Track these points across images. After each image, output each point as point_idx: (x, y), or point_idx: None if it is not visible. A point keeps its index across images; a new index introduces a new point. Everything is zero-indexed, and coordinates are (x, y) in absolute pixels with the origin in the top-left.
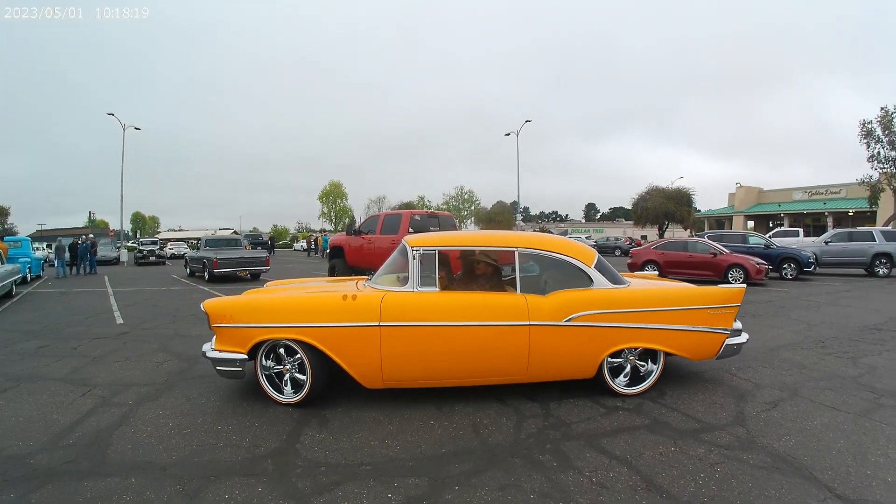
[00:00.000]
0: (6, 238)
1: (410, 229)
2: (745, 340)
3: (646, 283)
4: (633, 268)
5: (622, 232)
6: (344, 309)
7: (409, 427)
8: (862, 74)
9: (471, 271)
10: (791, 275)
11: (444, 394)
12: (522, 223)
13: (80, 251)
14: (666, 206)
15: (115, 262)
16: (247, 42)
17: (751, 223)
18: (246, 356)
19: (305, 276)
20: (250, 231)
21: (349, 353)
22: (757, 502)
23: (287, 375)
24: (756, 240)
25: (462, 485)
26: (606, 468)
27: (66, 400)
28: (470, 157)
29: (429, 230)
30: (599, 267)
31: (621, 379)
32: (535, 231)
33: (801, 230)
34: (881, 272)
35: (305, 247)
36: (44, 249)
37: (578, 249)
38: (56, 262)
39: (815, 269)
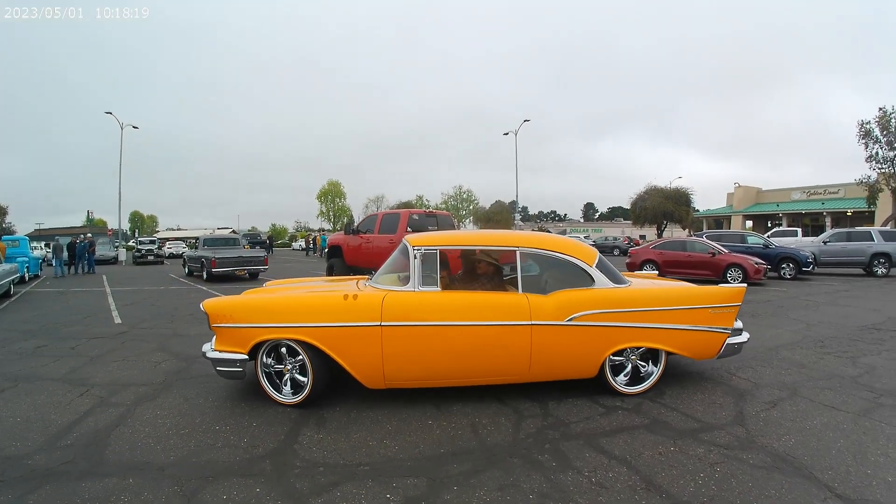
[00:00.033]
0: (4, 237)
1: (408, 229)
2: (745, 340)
3: (647, 283)
4: (632, 267)
5: (621, 231)
6: (345, 309)
7: (408, 427)
8: (861, 74)
9: (472, 271)
10: (790, 274)
11: (443, 393)
12: (521, 223)
13: (78, 250)
14: (664, 206)
15: (114, 261)
16: (246, 42)
17: (749, 223)
18: (247, 356)
19: (304, 276)
20: (249, 230)
21: (351, 354)
22: (757, 502)
23: (287, 376)
24: (754, 239)
25: (461, 485)
26: (606, 468)
27: (64, 400)
28: (469, 157)
29: (427, 229)
30: (601, 266)
31: (621, 378)
32: (533, 230)
33: (799, 230)
34: (880, 272)
35: (304, 246)
36: (42, 249)
37: (580, 249)
38: (54, 262)
39: (813, 268)
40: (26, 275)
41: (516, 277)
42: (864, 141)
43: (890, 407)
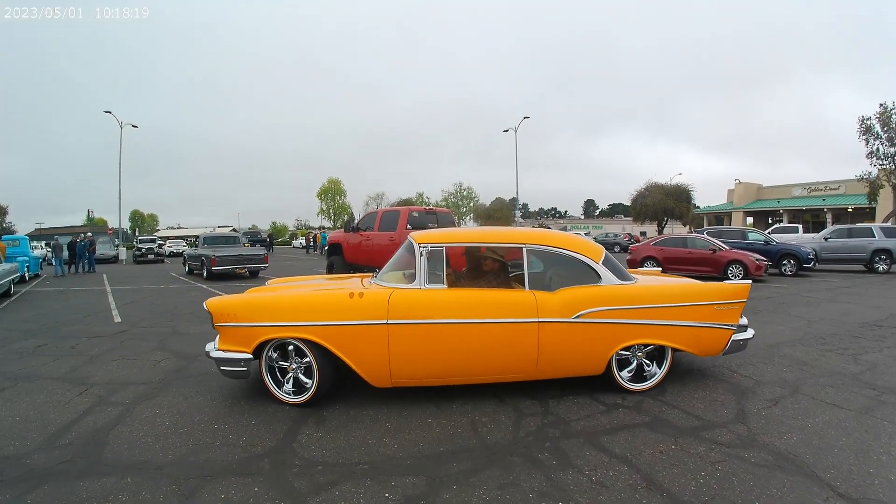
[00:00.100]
0: (4, 237)
1: (408, 226)
2: (750, 336)
3: (652, 280)
4: (633, 264)
5: (621, 228)
6: (351, 307)
7: (407, 425)
8: (861, 72)
9: (478, 268)
10: (790, 271)
11: (443, 391)
12: (521, 219)
13: (78, 250)
14: (665, 203)
15: (114, 260)
16: (246, 41)
17: (750, 219)
18: (251, 356)
19: (304, 274)
20: (249, 228)
21: (357, 352)
22: (758, 501)
23: (290, 374)
24: (755, 236)
25: (460, 484)
26: (606, 467)
27: (64, 399)
28: (469, 155)
29: (427, 227)
30: (607, 263)
31: (625, 374)
32: (533, 227)
33: (800, 226)
34: (881, 268)
35: (304, 244)
36: (42, 248)
37: (586, 245)
38: (54, 261)
39: (814, 265)
40: (26, 274)
41: (523, 274)
42: (864, 137)
43: (892, 405)
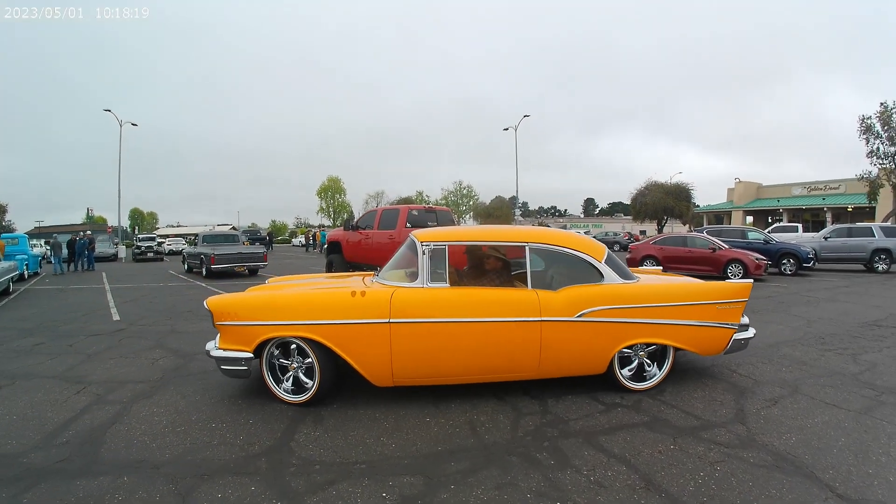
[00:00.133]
0: (3, 235)
1: (408, 224)
2: (752, 335)
3: (654, 279)
4: (632, 263)
5: (621, 227)
6: (353, 306)
7: (405, 424)
8: (861, 72)
9: (480, 267)
10: (790, 270)
11: (441, 390)
12: (521, 218)
13: (77, 248)
14: (665, 202)
15: (113, 258)
16: (246, 41)
17: (749, 218)
18: (252, 355)
19: (304, 272)
20: (249, 227)
21: (359, 351)
22: (757, 502)
23: (291, 373)
24: (755, 235)
25: (458, 483)
26: (605, 466)
27: (61, 398)
28: (469, 154)
29: (426, 225)
30: (610, 262)
31: (626, 372)
32: (533, 226)
33: (799, 226)
34: (880, 268)
35: (303, 242)
36: (41, 246)
37: (589, 244)
38: (53, 259)
39: (814, 264)
40: (26, 272)
41: (525, 273)
42: (864, 136)
43: (891, 405)
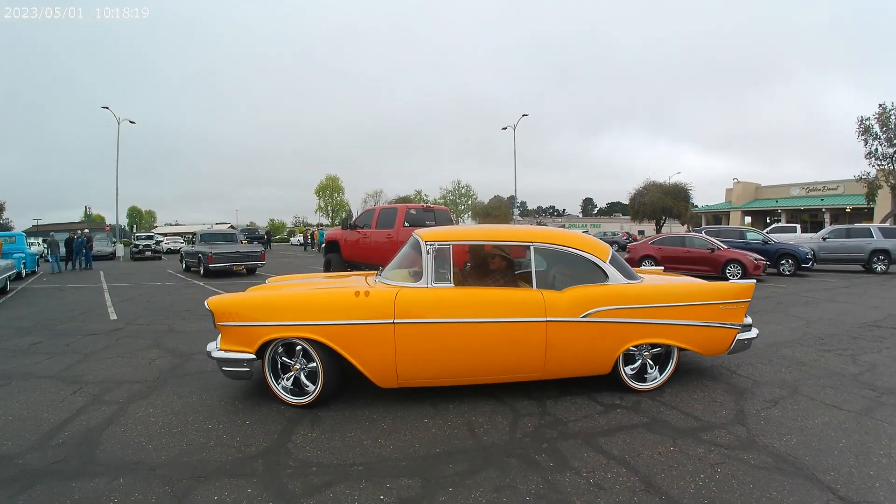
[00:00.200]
0: (1, 233)
1: (406, 224)
2: (755, 335)
3: (658, 279)
4: (631, 263)
5: (619, 227)
6: (357, 306)
7: (403, 425)
8: (861, 72)
9: (484, 266)
10: (789, 271)
11: (440, 391)
12: (519, 217)
13: (75, 246)
14: (663, 202)
15: (111, 257)
16: (246, 40)
17: (748, 219)
18: (254, 356)
19: (302, 271)
20: (247, 225)
21: (362, 352)
22: None
23: (293, 374)
24: (753, 235)
25: (456, 486)
26: (604, 468)
27: (57, 398)
28: (468, 154)
29: (424, 224)
30: (614, 262)
31: (630, 373)
32: (531, 226)
33: (798, 226)
34: (879, 269)
35: (301, 241)
36: (39, 245)
37: (593, 244)
38: (50, 258)
39: (812, 265)
40: (23, 271)
41: (530, 273)
42: (863, 137)
43: (892, 406)
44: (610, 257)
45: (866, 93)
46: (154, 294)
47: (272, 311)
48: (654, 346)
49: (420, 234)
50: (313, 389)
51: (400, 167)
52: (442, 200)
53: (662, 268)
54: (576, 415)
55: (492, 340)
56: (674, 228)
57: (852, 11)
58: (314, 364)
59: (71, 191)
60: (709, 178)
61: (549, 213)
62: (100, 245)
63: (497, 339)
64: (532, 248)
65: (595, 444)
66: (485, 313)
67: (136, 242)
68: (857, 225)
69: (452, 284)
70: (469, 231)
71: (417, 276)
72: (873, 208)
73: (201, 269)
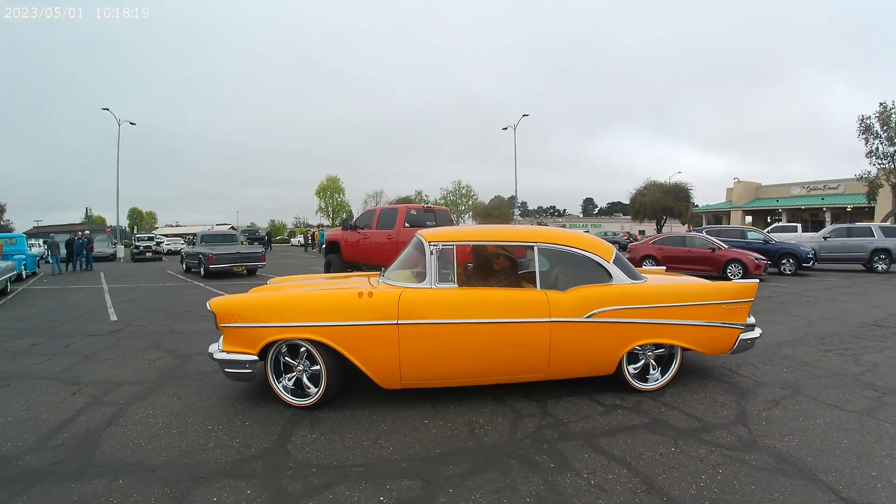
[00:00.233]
0: (1, 235)
1: (406, 224)
2: (758, 335)
3: (661, 279)
4: (631, 262)
5: (620, 227)
6: (360, 307)
7: (403, 426)
8: (861, 71)
9: (488, 267)
10: (790, 270)
11: (439, 391)
12: (520, 217)
13: (76, 247)
14: (664, 201)
15: (112, 258)
16: (246, 40)
17: (749, 218)
18: (256, 357)
19: (303, 272)
20: (248, 226)
21: (366, 353)
22: None
23: (295, 374)
24: (754, 235)
25: (456, 487)
26: (605, 469)
27: (57, 399)
28: (468, 154)
29: (425, 225)
30: (618, 262)
31: (630, 369)
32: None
33: (799, 225)
34: (880, 268)
35: (302, 242)
36: (40, 246)
37: (597, 244)
38: (51, 259)
39: (813, 264)
40: (23, 272)
41: (533, 273)
42: (864, 136)
43: (894, 406)
44: (614, 257)
45: (866, 92)
46: (154, 295)
47: (275, 313)
48: (658, 346)
49: (423, 234)
50: (315, 392)
51: (400, 167)
52: (442, 201)
53: (664, 267)
54: (576, 415)
55: (496, 341)
56: (674, 228)
57: (852, 11)
58: (317, 367)
59: (71, 191)
60: (709, 177)
61: (550, 213)
62: (100, 246)
63: (501, 339)
64: (536, 248)
65: (596, 445)
66: (489, 314)
67: (137, 244)
68: (857, 224)
69: (456, 285)
70: (472, 231)
71: (421, 276)
72: (874, 207)
73: (202, 270)
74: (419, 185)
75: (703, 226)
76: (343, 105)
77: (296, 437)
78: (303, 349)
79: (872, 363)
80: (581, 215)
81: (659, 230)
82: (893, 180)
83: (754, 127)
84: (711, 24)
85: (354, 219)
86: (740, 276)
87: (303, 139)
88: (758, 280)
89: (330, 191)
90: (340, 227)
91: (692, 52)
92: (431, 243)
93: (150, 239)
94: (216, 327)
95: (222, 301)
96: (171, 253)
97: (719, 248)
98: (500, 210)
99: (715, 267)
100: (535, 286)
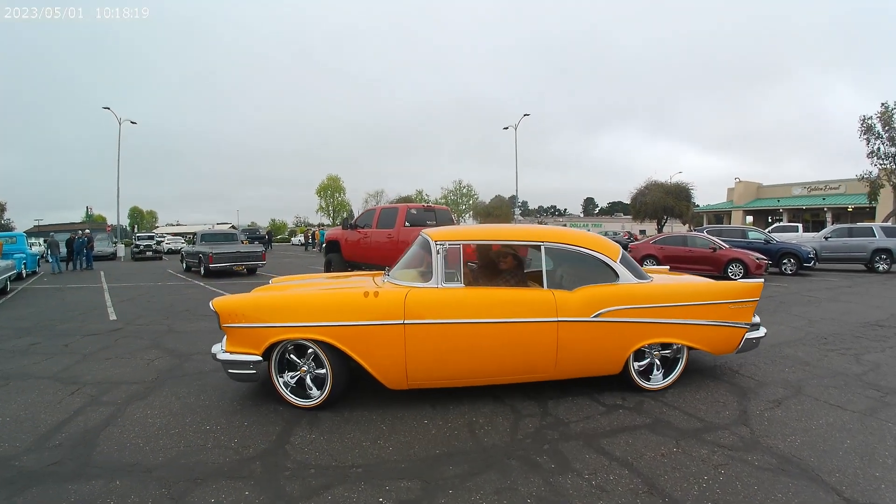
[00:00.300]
0: (1, 234)
1: (407, 223)
2: (763, 335)
3: (666, 279)
4: None
5: (621, 226)
6: (366, 307)
7: (403, 427)
8: (862, 71)
9: (494, 266)
10: (791, 270)
11: (439, 391)
12: (521, 217)
13: (76, 246)
14: (665, 201)
15: (112, 257)
16: (246, 40)
17: (750, 218)
18: (260, 358)
19: (304, 271)
20: (248, 225)
21: (372, 354)
22: None
23: (298, 374)
24: (755, 235)
25: (456, 488)
26: (606, 470)
27: (55, 399)
28: (469, 153)
29: (426, 224)
30: (625, 262)
31: (637, 368)
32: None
33: (800, 225)
34: (881, 268)
35: (303, 241)
36: (40, 245)
37: (604, 244)
38: (51, 258)
39: (814, 264)
40: (24, 271)
41: (540, 273)
42: (865, 136)
43: None
44: (620, 257)
45: (866, 92)
46: (154, 294)
47: (279, 312)
48: (664, 345)
49: (429, 233)
50: (318, 394)
51: (400, 167)
52: (443, 200)
53: (668, 267)
54: (577, 415)
55: (503, 341)
56: (675, 228)
57: (852, 11)
58: (322, 371)
59: (71, 191)
60: (710, 177)
61: (551, 213)
62: (101, 245)
63: (508, 339)
64: (543, 247)
65: (597, 446)
66: (496, 314)
67: (137, 243)
68: (859, 224)
69: (463, 285)
70: (479, 230)
71: (426, 276)
72: (875, 207)
73: (202, 269)
74: (419, 184)
75: (704, 225)
76: (343, 105)
77: (294, 437)
78: (310, 350)
79: (874, 363)
80: (582, 215)
81: (660, 230)
82: (895, 180)
83: (754, 127)
84: (711, 24)
85: (355, 218)
86: (741, 275)
87: (303, 139)
88: (763, 280)
89: (331, 190)
90: (341, 227)
91: (692, 52)
92: (438, 242)
93: (151, 238)
94: (219, 327)
95: (226, 301)
96: (171, 252)
97: (720, 248)
98: (500, 209)
99: (716, 267)
100: (542, 286)
